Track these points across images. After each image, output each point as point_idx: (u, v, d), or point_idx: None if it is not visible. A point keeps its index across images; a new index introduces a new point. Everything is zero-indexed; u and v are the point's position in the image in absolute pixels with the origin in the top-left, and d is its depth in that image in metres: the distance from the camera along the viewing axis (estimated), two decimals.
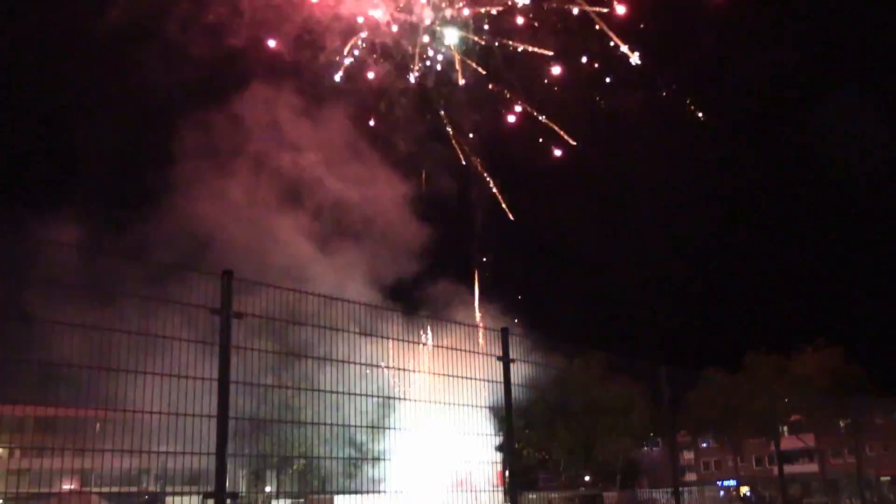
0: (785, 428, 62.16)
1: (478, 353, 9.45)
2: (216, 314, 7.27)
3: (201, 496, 7.24)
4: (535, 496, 55.57)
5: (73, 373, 6.89)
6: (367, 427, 8.59)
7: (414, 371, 8.68)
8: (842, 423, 58.16)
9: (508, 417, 9.69)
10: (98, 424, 8.52)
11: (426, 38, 55.09)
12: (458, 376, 9.23)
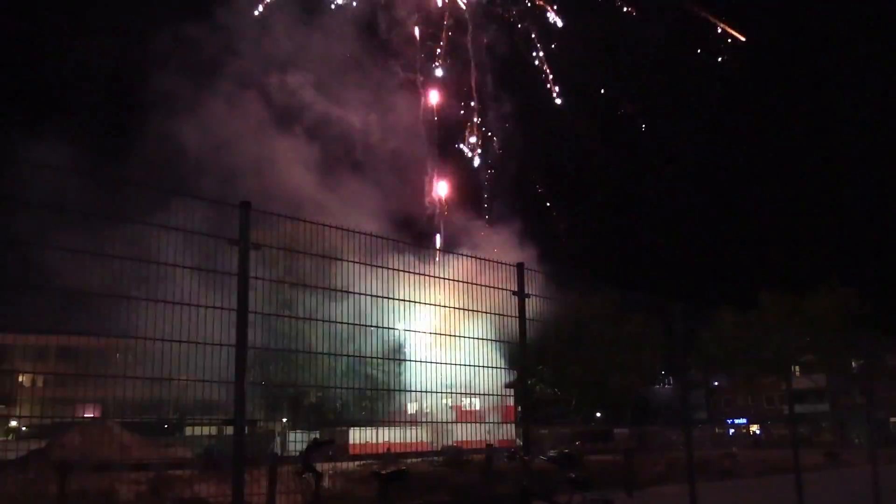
0: (797, 368, 62.45)
1: (493, 287, 9.50)
2: (234, 245, 7.32)
3: (220, 424, 7.37)
4: (546, 431, 56.42)
5: (92, 301, 6.97)
6: (379, 358, 8.69)
7: (427, 304, 8.72)
8: (854, 364, 58.40)
9: (522, 353, 9.77)
10: (118, 354, 8.66)
11: None
12: (472, 310, 9.29)
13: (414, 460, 29.23)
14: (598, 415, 76.92)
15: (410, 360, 8.97)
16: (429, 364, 8.88)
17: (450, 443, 28.23)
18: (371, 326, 8.20)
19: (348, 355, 8.25)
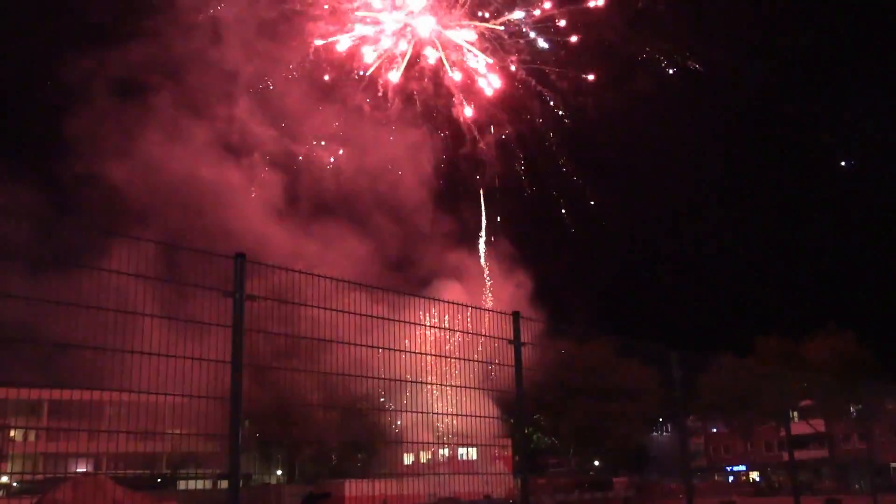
0: (795, 413, 62.02)
1: (489, 336, 9.46)
2: (229, 296, 7.29)
3: (214, 478, 7.27)
4: (544, 481, 55.77)
5: (83, 355, 6.92)
6: (374, 409, 8.61)
7: (424, 354, 8.68)
8: (852, 409, 58.04)
9: (519, 401, 9.70)
10: (110, 407, 8.58)
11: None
12: (467, 359, 9.24)
13: None
14: (597, 463, 76.11)
15: (405, 411, 8.90)
16: (423, 414, 8.81)
17: (447, 494, 27.88)
18: (365, 377, 8.16)
19: (343, 406, 8.19)
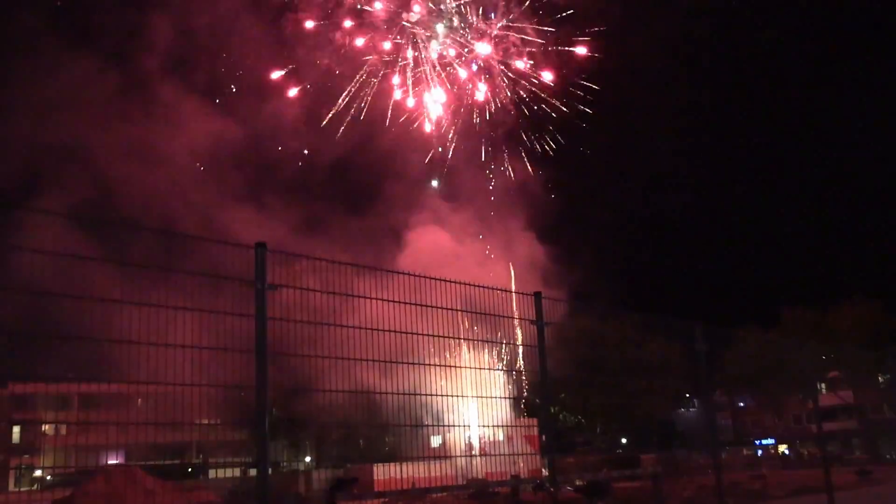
0: (823, 385, 61.62)
1: (512, 317, 9.46)
2: (250, 286, 7.33)
3: (244, 465, 7.34)
4: (571, 459, 55.86)
5: (111, 348, 6.99)
6: (400, 394, 8.64)
7: (447, 337, 8.69)
8: (880, 379, 57.61)
9: (543, 382, 9.69)
10: (139, 399, 8.67)
11: None
12: (491, 341, 9.25)
13: (440, 494, 28.96)
14: (624, 440, 76.11)
15: (432, 395, 8.91)
16: (450, 398, 8.83)
17: (475, 476, 27.99)
18: (391, 362, 8.18)
19: (369, 392, 8.23)
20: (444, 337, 8.69)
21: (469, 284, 8.94)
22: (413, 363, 8.43)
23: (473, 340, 9.19)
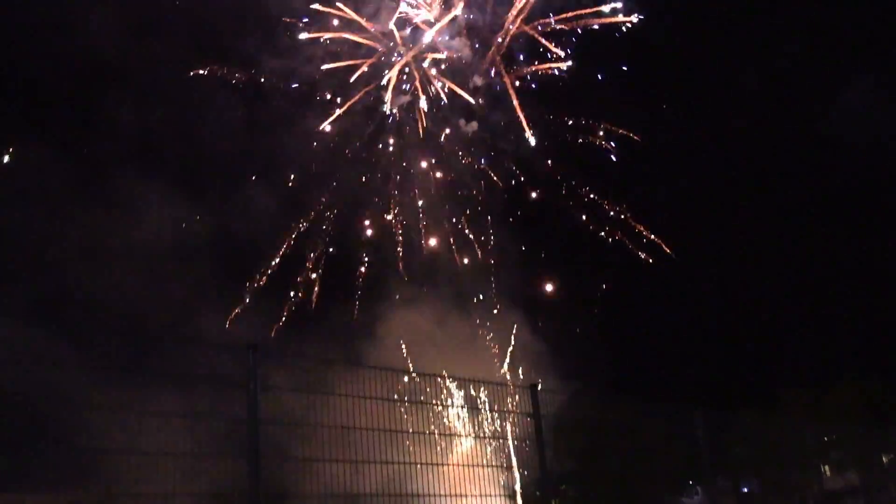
0: (826, 467, 60.59)
1: (507, 411, 9.35)
2: (243, 388, 7.24)
3: None
4: None
5: (94, 457, 6.85)
6: (391, 495, 8.45)
7: (442, 434, 8.56)
8: (884, 459, 56.73)
9: (543, 475, 9.50)
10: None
11: None
12: (486, 437, 9.12)
13: None
14: None
15: (426, 495, 8.72)
16: (443, 497, 8.64)
17: None
18: (385, 463, 8.02)
19: (357, 494, 8.04)
20: (442, 434, 8.57)
21: (464, 380, 8.86)
22: (407, 462, 8.27)
23: (471, 437, 9.05)
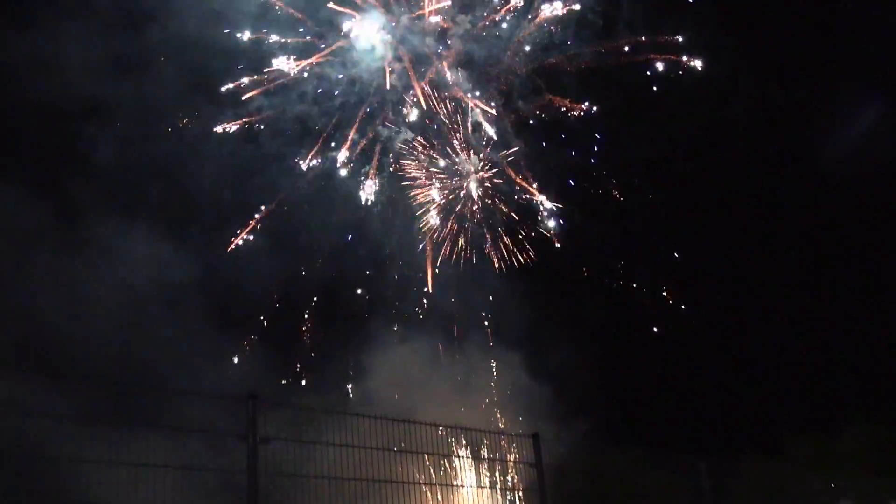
0: None
1: (509, 461, 9.26)
2: (242, 439, 7.18)
3: None
4: None
5: None
6: None
7: (447, 485, 8.48)
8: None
9: None
10: None
11: None
12: (489, 487, 9.02)
13: None
14: None
15: None
16: None
17: None
18: None
19: None
20: (440, 485, 8.49)
21: (464, 429, 8.80)
22: None
23: (472, 486, 8.95)
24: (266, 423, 7.35)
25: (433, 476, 8.50)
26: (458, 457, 8.89)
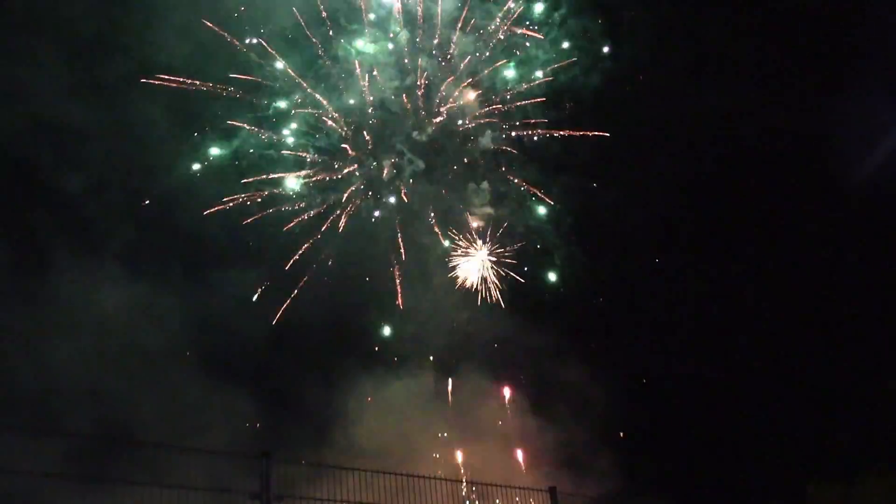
0: None
1: None
2: (256, 498, 7.09)
3: None
4: None
5: None
6: None
7: None
8: None
9: None
10: None
11: None
12: None
13: None
14: None
15: None
16: None
17: None
18: None
19: None
20: None
21: (478, 483, 8.66)
22: None
23: None
24: (280, 481, 7.27)
25: None
26: None
